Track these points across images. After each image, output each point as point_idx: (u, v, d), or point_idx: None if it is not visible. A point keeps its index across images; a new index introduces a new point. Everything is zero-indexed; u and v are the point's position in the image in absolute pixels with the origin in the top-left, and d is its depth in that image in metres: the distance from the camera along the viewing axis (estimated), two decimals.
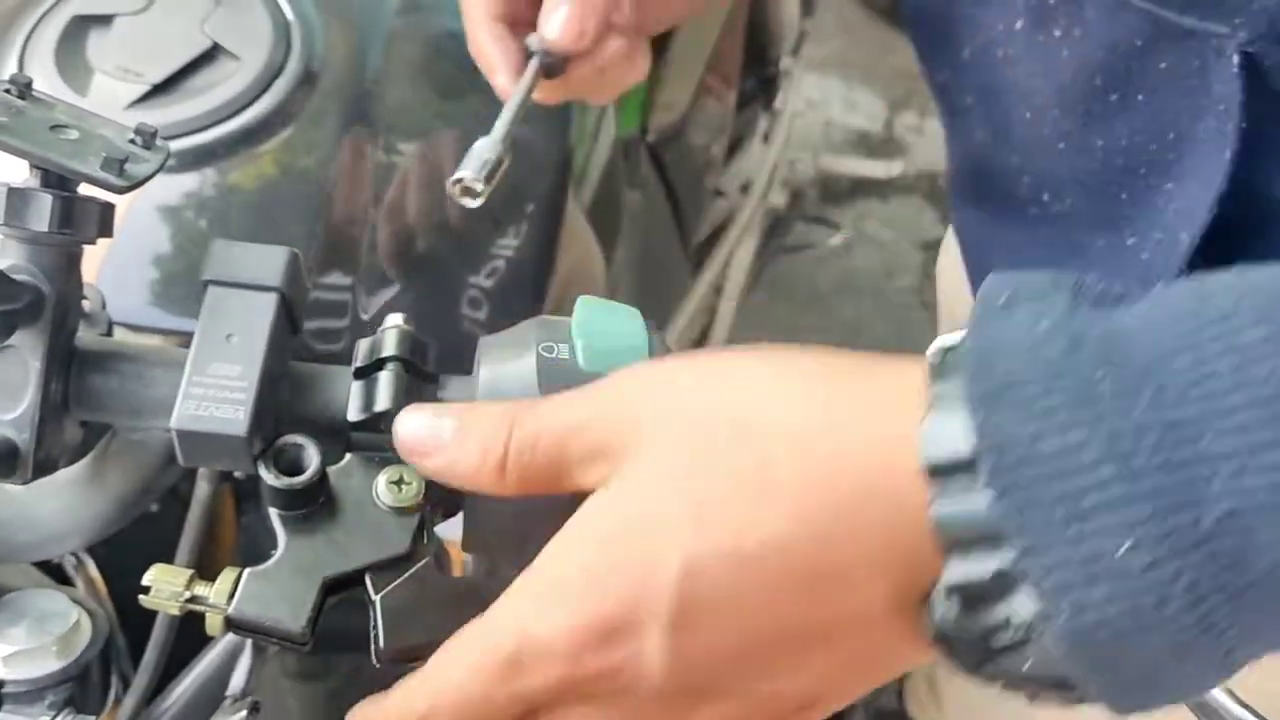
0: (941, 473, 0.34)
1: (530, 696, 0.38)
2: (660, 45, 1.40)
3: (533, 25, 0.63)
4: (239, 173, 0.73)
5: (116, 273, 0.70)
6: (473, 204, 0.60)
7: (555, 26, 0.61)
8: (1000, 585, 0.33)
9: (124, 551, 0.62)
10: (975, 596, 0.34)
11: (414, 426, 0.44)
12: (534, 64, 0.63)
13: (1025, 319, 0.34)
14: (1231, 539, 0.31)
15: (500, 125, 0.60)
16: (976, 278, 0.77)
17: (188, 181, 0.73)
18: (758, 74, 1.81)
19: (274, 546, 0.46)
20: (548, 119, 0.87)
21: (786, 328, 2.23)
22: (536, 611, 0.37)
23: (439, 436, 0.43)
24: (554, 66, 0.64)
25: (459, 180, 0.59)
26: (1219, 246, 0.52)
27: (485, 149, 0.59)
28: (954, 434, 0.34)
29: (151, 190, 0.50)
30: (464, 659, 0.39)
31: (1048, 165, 0.63)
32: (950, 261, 0.87)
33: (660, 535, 0.35)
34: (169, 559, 0.46)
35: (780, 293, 2.17)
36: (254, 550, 0.58)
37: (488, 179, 0.59)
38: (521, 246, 0.80)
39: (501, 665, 0.37)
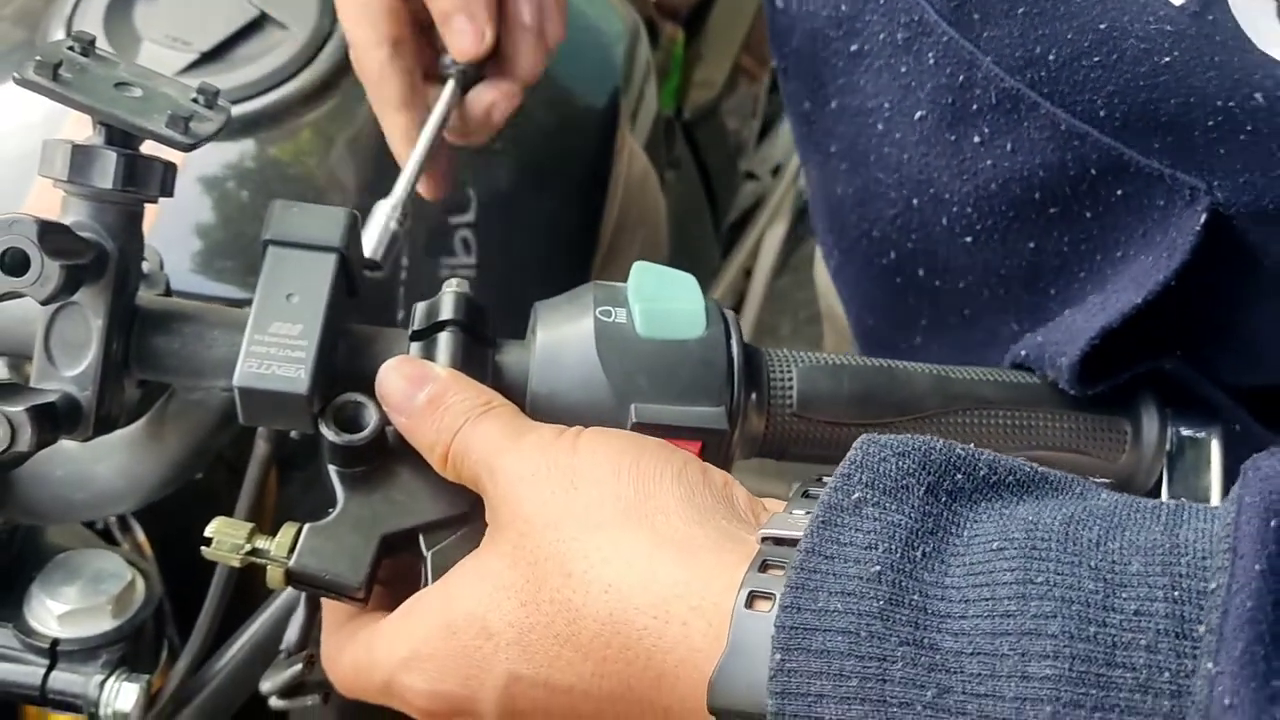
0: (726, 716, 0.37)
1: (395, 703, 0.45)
2: (697, 23, 1.40)
3: (419, 57, 0.61)
4: (286, 141, 0.74)
5: (161, 238, 0.70)
6: (372, 274, 0.55)
7: (458, 39, 0.59)
8: None
9: (162, 512, 0.62)
10: None
11: (394, 382, 0.46)
12: (450, 85, 0.60)
13: (861, 542, 0.36)
14: None
15: (403, 183, 0.57)
16: (850, 313, 0.72)
17: (235, 149, 0.73)
18: None
19: (308, 510, 0.46)
20: (595, 82, 0.87)
21: (815, 313, 2.21)
22: (404, 667, 0.43)
23: (412, 402, 0.45)
24: (468, 80, 0.62)
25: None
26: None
27: (385, 215, 0.56)
28: (745, 687, 0.36)
29: (197, 157, 0.50)
30: (352, 661, 0.45)
31: (943, 252, 0.59)
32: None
33: (489, 644, 0.41)
34: (207, 519, 0.46)
35: (809, 277, 2.15)
36: (291, 514, 0.58)
37: (386, 254, 0.54)
38: (566, 211, 0.80)
39: (378, 686, 0.44)
